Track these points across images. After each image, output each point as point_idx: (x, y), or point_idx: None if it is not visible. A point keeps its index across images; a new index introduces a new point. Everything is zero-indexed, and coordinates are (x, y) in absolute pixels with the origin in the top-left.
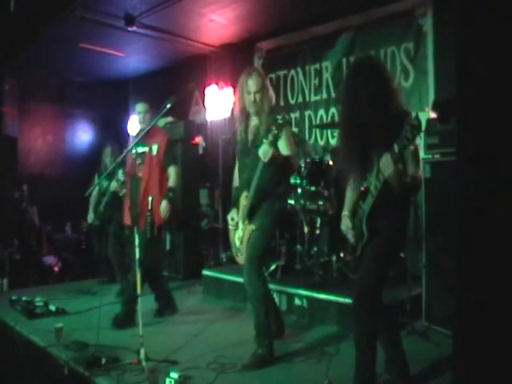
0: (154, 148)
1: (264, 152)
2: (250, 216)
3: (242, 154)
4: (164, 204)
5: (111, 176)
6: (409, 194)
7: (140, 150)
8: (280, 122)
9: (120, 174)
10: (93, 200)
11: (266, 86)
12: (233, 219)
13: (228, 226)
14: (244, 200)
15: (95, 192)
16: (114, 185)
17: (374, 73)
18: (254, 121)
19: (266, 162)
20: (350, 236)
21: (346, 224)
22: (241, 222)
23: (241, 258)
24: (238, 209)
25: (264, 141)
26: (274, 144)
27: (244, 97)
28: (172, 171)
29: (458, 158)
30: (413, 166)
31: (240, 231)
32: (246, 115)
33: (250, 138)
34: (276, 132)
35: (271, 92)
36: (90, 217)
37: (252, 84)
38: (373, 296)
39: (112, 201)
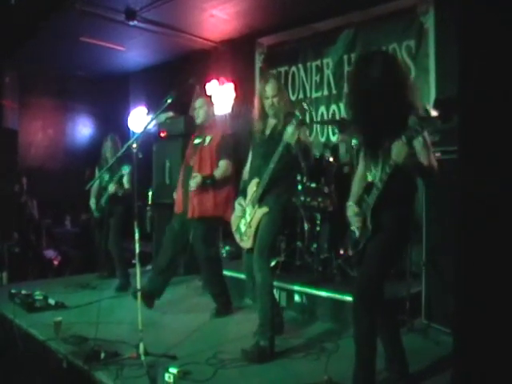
0: (208, 139)
1: (290, 135)
2: (261, 200)
3: (257, 145)
4: (192, 182)
5: (112, 169)
6: (424, 177)
7: (196, 141)
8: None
9: (125, 168)
10: (93, 192)
11: (282, 89)
12: (241, 205)
13: (233, 214)
14: (254, 186)
15: (96, 184)
16: (112, 187)
17: (389, 65)
18: (271, 121)
19: (282, 150)
20: (355, 222)
21: (351, 210)
22: (249, 208)
23: (246, 242)
24: (244, 197)
25: (288, 126)
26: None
27: (263, 101)
28: (221, 164)
29: (459, 156)
30: (424, 156)
31: (248, 216)
32: (264, 116)
33: (268, 132)
34: (300, 118)
35: (287, 94)
36: (93, 203)
37: (269, 89)
38: (374, 293)
39: (113, 196)
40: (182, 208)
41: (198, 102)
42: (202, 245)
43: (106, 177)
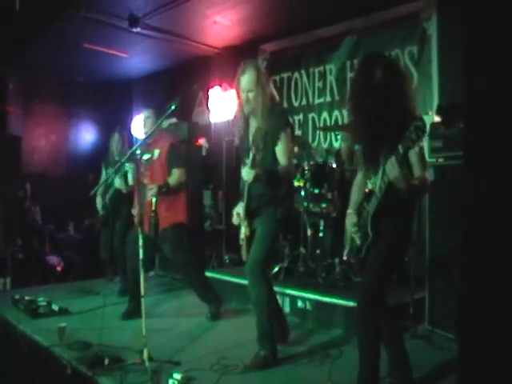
0: (156, 153)
1: (246, 175)
2: (250, 219)
3: (243, 154)
4: (150, 191)
5: (118, 170)
6: (416, 196)
7: (145, 157)
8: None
9: (127, 166)
10: (100, 191)
11: (261, 83)
12: (238, 214)
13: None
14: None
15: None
16: (117, 182)
17: (390, 72)
18: (253, 121)
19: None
20: (354, 232)
21: (351, 220)
22: (243, 221)
23: (243, 254)
24: (244, 203)
25: (246, 161)
26: (255, 165)
27: (240, 95)
28: (174, 172)
29: (463, 161)
30: (419, 169)
31: (243, 227)
32: (244, 114)
33: (250, 138)
34: (262, 151)
35: (269, 89)
36: (99, 202)
37: (245, 82)
38: (377, 299)
39: (117, 195)
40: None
41: (145, 113)
42: (174, 254)
43: (112, 176)
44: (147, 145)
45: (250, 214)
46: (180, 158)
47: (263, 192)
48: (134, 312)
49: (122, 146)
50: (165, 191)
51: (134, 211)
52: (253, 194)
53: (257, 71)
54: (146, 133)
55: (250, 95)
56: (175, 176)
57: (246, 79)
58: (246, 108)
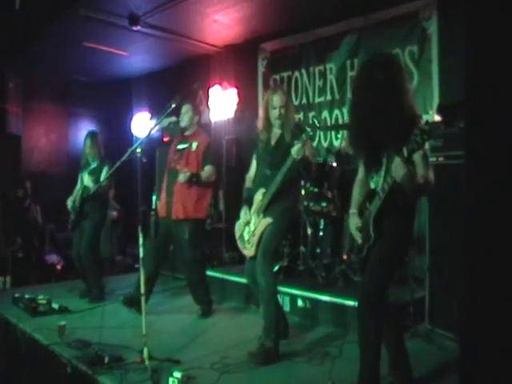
0: (194, 145)
1: (298, 151)
2: (267, 210)
3: (263, 154)
4: (181, 175)
5: (95, 171)
6: (419, 196)
7: (181, 146)
8: (316, 124)
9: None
10: (74, 193)
11: (289, 100)
12: (246, 214)
13: (235, 223)
14: (260, 195)
15: (78, 187)
16: (86, 178)
17: (391, 72)
18: (276, 131)
19: (291, 163)
20: (357, 235)
21: (354, 223)
22: (254, 217)
23: (249, 250)
24: (249, 206)
25: (296, 142)
26: (304, 145)
27: (269, 111)
28: (207, 168)
29: (465, 161)
30: (423, 170)
31: (252, 225)
32: (269, 126)
33: (273, 141)
34: (310, 134)
35: (293, 105)
36: (70, 201)
37: (277, 99)
38: (378, 298)
39: (88, 197)
40: (165, 212)
41: (184, 108)
42: (189, 247)
43: (85, 177)
44: (184, 136)
45: (267, 207)
46: (214, 157)
47: (283, 187)
48: (135, 302)
49: (94, 147)
50: (195, 180)
51: (156, 200)
52: (277, 186)
53: (283, 91)
54: (185, 127)
55: (282, 111)
56: (207, 171)
57: (279, 97)
58: (277, 121)
